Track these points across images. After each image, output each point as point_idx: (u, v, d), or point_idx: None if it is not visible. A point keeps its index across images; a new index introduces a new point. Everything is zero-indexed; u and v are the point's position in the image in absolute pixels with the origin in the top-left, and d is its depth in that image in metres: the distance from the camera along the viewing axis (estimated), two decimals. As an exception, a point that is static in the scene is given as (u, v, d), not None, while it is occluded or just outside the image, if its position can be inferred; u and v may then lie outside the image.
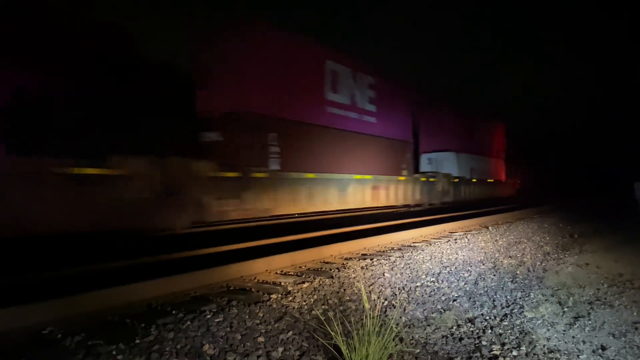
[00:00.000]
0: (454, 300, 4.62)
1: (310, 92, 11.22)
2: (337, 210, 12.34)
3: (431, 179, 17.00)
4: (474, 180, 21.73)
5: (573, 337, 3.53)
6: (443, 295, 4.82)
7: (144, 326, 3.72)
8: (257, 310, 4.19)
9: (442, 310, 4.27)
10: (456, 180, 19.31)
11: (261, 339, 3.48)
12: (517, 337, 3.53)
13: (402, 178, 14.88)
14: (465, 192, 20.38)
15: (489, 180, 24.00)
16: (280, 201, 9.93)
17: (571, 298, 4.65)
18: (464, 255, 7.17)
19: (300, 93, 10.88)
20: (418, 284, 5.30)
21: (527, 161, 32.01)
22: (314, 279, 5.53)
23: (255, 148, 9.49)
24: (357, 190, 12.57)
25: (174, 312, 4.13)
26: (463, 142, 21.57)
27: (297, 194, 10.47)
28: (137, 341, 3.39)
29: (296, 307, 4.37)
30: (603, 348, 3.30)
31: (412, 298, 4.71)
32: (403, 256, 7.09)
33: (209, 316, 3.98)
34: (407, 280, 5.46)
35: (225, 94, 9.31)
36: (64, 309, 4.01)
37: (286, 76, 10.42)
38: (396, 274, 5.83)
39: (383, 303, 4.47)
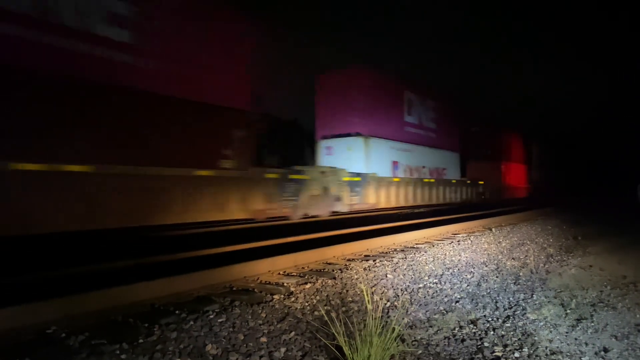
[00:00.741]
0: (457, 301, 4.62)
1: None
2: None
3: (295, 176, 10.64)
4: (395, 179, 15.35)
5: (575, 339, 3.53)
6: (446, 296, 4.82)
7: (147, 326, 3.73)
8: (260, 311, 4.20)
9: (445, 312, 4.27)
10: (354, 179, 13.06)
11: (264, 339, 3.49)
12: (519, 339, 3.53)
13: (205, 173, 8.07)
14: (377, 196, 14.31)
15: (426, 180, 17.47)
16: None
17: (574, 300, 4.64)
18: (466, 257, 7.17)
19: None
20: (421, 285, 5.31)
21: (517, 160, 27.59)
22: (317, 279, 5.54)
23: None
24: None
25: (177, 312, 4.14)
26: (382, 124, 15.12)
27: None
28: (141, 341, 3.41)
29: (299, 307, 4.38)
30: (605, 350, 3.30)
31: (415, 299, 4.71)
32: (406, 257, 7.09)
33: (211, 316, 4.00)
34: (409, 282, 5.46)
35: None
36: (68, 308, 4.03)
37: None
38: (399, 275, 5.83)
39: (385, 304, 4.47)
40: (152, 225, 7.44)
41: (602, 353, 3.25)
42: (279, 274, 5.99)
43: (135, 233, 7.70)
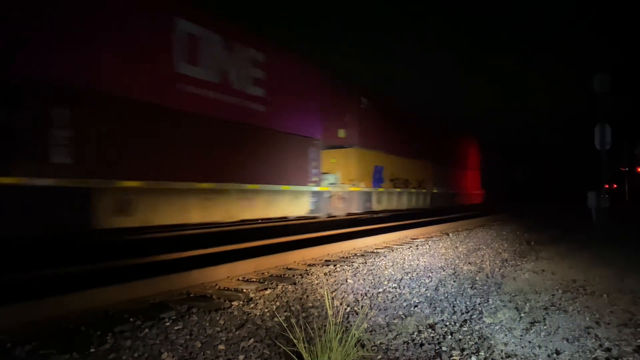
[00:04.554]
0: (415, 306, 4.67)
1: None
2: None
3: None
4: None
5: (529, 342, 3.62)
6: (405, 301, 4.86)
7: (100, 334, 3.60)
8: (218, 318, 4.12)
9: (404, 316, 4.31)
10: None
11: (222, 346, 3.42)
12: (476, 343, 3.59)
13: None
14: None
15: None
16: None
17: (528, 304, 4.76)
18: (425, 262, 7.27)
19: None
20: (380, 290, 5.34)
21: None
22: (277, 285, 5.49)
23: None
24: None
25: (131, 319, 4.02)
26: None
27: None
28: (92, 350, 3.28)
29: (258, 314, 4.32)
30: (557, 352, 3.39)
31: (375, 304, 4.73)
32: (366, 262, 7.13)
33: (168, 324, 3.89)
34: (369, 287, 5.49)
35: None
36: (15, 316, 3.84)
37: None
38: (359, 280, 5.85)
39: (345, 309, 4.47)
40: (110, 229, 7.03)
41: (555, 356, 3.34)
42: (238, 279, 5.91)
43: (90, 236, 7.44)
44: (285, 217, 11.42)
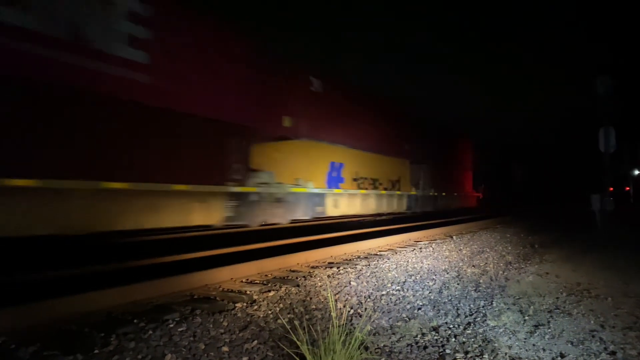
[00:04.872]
0: (419, 308, 4.66)
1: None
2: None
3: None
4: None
5: (534, 345, 3.61)
6: (408, 303, 4.85)
7: (104, 336, 3.61)
8: (222, 320, 4.13)
9: (407, 319, 4.30)
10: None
11: (225, 348, 3.42)
12: (480, 346, 3.58)
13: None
14: None
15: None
16: None
17: (532, 307, 4.75)
18: (428, 264, 7.25)
19: None
20: (384, 292, 5.33)
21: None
22: (280, 287, 5.49)
23: None
24: None
25: (135, 321, 4.02)
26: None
27: None
28: (96, 351, 3.29)
29: (261, 315, 4.32)
30: (562, 356, 3.38)
31: (378, 306, 4.72)
32: (369, 265, 7.12)
33: (171, 325, 3.89)
34: (373, 289, 5.48)
35: None
36: (19, 318, 3.85)
37: None
38: (362, 282, 5.84)
39: (349, 312, 4.46)
40: (112, 231, 6.29)
41: (559, 359, 3.33)
42: (242, 281, 5.91)
43: (94, 239, 7.45)
44: (183, 227, 8.55)
